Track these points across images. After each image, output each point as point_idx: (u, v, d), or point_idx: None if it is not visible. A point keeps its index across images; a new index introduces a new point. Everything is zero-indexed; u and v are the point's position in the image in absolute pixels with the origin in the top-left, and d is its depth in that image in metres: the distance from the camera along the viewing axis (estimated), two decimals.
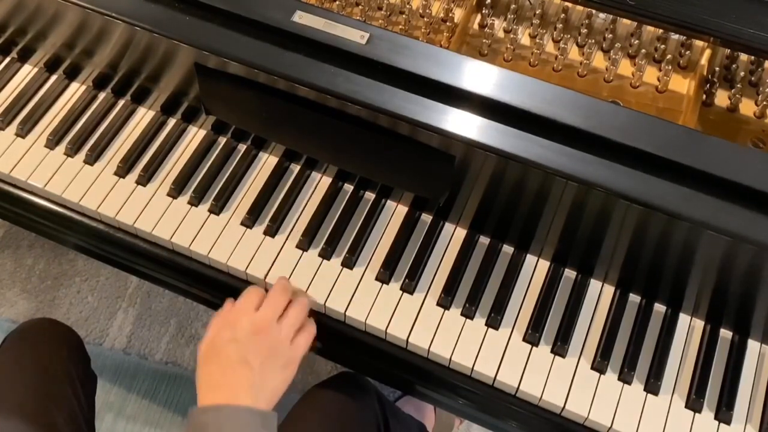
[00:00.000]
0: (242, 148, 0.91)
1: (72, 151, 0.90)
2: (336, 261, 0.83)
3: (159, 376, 1.41)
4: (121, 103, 0.94)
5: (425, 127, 0.72)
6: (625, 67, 0.83)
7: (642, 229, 0.72)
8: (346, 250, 0.83)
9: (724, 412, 0.74)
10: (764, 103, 0.79)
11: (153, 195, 0.87)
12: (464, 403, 0.82)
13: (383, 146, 0.78)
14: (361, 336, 0.81)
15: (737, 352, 0.78)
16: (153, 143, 0.91)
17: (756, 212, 0.66)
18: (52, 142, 0.91)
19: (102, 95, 0.95)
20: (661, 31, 0.85)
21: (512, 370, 0.77)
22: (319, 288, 0.81)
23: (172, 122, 0.93)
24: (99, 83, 0.95)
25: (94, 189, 0.88)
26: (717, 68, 0.83)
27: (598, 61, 0.84)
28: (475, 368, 0.77)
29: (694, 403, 0.75)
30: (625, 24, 0.86)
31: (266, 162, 0.90)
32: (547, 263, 0.83)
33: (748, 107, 0.81)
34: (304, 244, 0.84)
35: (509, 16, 0.87)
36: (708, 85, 0.81)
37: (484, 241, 0.85)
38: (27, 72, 0.97)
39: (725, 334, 0.79)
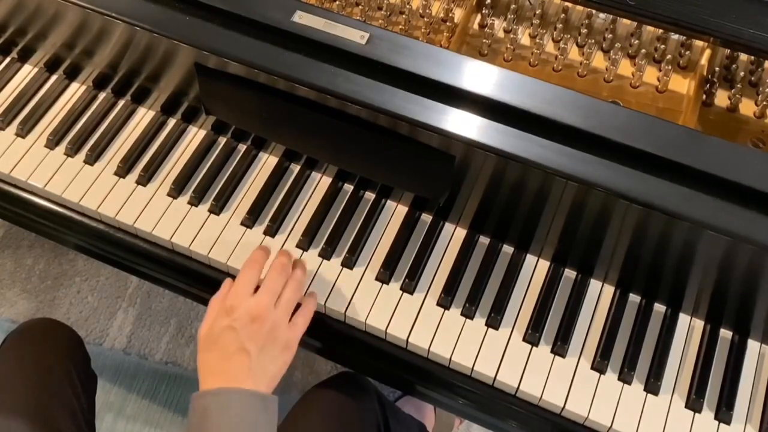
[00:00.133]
0: (242, 148, 0.91)
1: (72, 151, 0.90)
2: (336, 261, 0.83)
3: (159, 376, 1.41)
4: (121, 103, 0.94)
5: (425, 127, 0.72)
6: (625, 67, 0.83)
7: (642, 229, 0.72)
8: (346, 250, 0.83)
9: (724, 412, 0.74)
10: (764, 103, 0.79)
11: (153, 195, 0.87)
12: (464, 403, 0.82)
13: (383, 146, 0.78)
14: (361, 336, 0.81)
15: (737, 352, 0.78)
16: (153, 143, 0.91)
17: (756, 212, 0.66)
18: (52, 142, 0.91)
19: (102, 95, 0.95)
20: (661, 31, 0.85)
21: (512, 370, 0.77)
22: (319, 288, 0.81)
23: (172, 122, 0.93)
24: (99, 83, 0.95)
25: (94, 189, 0.88)
26: (717, 68, 0.83)
27: (598, 61, 0.84)
28: (475, 368, 0.77)
29: (694, 403, 0.75)
30: (625, 24, 0.86)
31: (266, 162, 0.90)
32: (547, 263, 0.83)
33: (748, 107, 0.81)
34: (304, 244, 0.84)
35: (509, 16, 0.87)
36: (708, 85, 0.81)
37: (484, 241, 0.85)
38: (27, 72, 0.97)
39: (725, 334, 0.79)
